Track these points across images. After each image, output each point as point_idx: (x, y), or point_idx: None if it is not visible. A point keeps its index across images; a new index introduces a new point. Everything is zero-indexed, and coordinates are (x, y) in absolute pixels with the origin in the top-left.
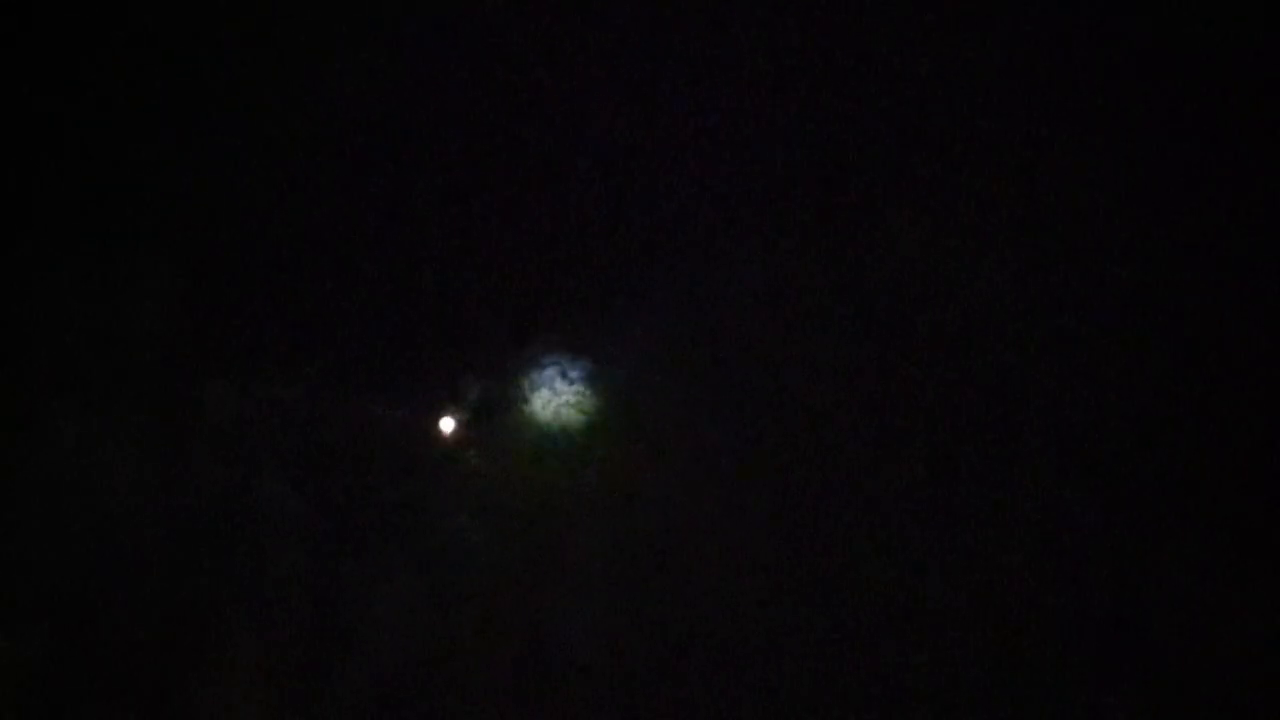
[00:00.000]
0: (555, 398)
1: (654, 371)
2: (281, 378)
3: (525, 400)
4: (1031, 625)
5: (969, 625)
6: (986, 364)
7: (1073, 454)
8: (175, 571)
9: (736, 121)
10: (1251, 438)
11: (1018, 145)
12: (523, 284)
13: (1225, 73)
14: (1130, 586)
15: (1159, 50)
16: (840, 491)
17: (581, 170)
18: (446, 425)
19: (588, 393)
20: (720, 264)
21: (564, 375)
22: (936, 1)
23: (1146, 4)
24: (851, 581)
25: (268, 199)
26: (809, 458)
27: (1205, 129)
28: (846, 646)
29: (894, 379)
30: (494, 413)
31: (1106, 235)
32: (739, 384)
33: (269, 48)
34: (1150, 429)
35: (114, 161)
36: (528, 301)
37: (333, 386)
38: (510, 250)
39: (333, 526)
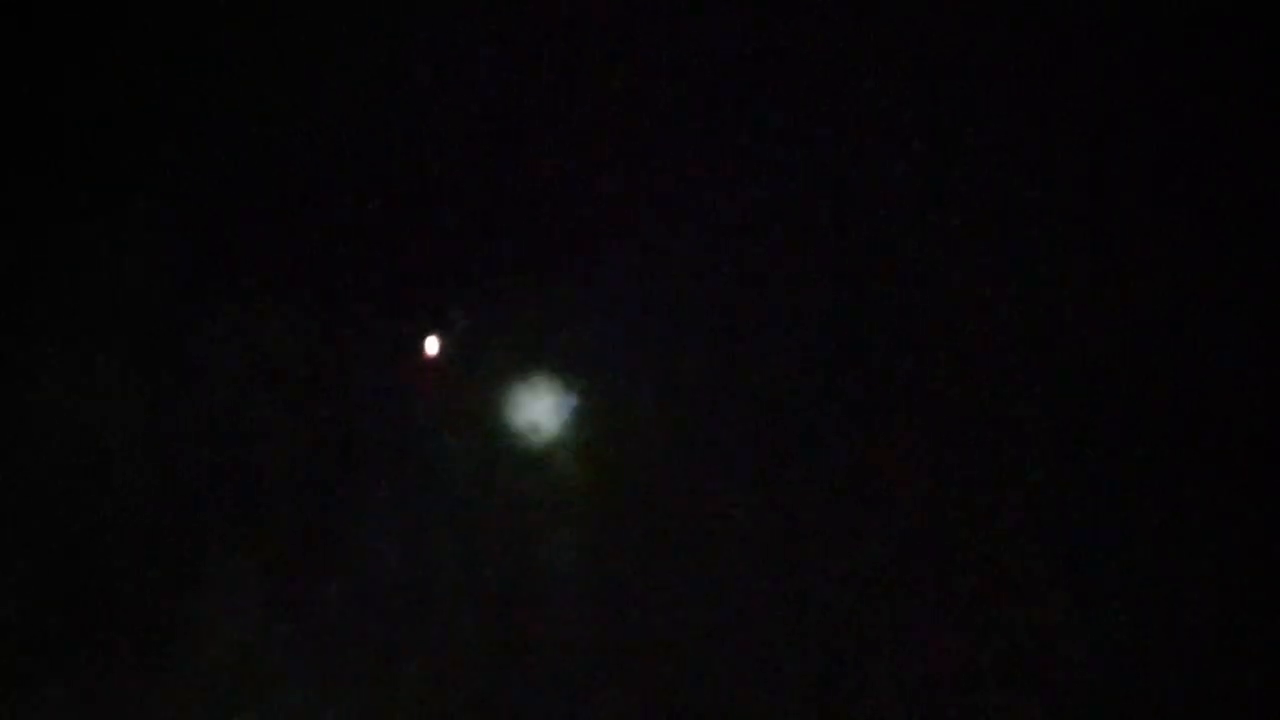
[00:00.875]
0: (543, 322)
1: (640, 299)
2: (269, 301)
3: (513, 322)
4: (1031, 625)
5: (963, 624)
6: (974, 357)
7: (1065, 456)
8: (168, 491)
9: (726, 118)
10: (1250, 437)
11: (1006, 141)
12: (514, 215)
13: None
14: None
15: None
16: (827, 474)
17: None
18: (432, 347)
19: (576, 319)
20: (709, 244)
21: (553, 299)
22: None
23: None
24: (834, 565)
25: (252, 126)
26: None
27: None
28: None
29: (879, 369)
30: (480, 335)
31: (1101, 234)
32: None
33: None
34: (1142, 428)
35: (97, 101)
36: (519, 232)
37: (320, 310)
38: (502, 185)
39: (321, 446)
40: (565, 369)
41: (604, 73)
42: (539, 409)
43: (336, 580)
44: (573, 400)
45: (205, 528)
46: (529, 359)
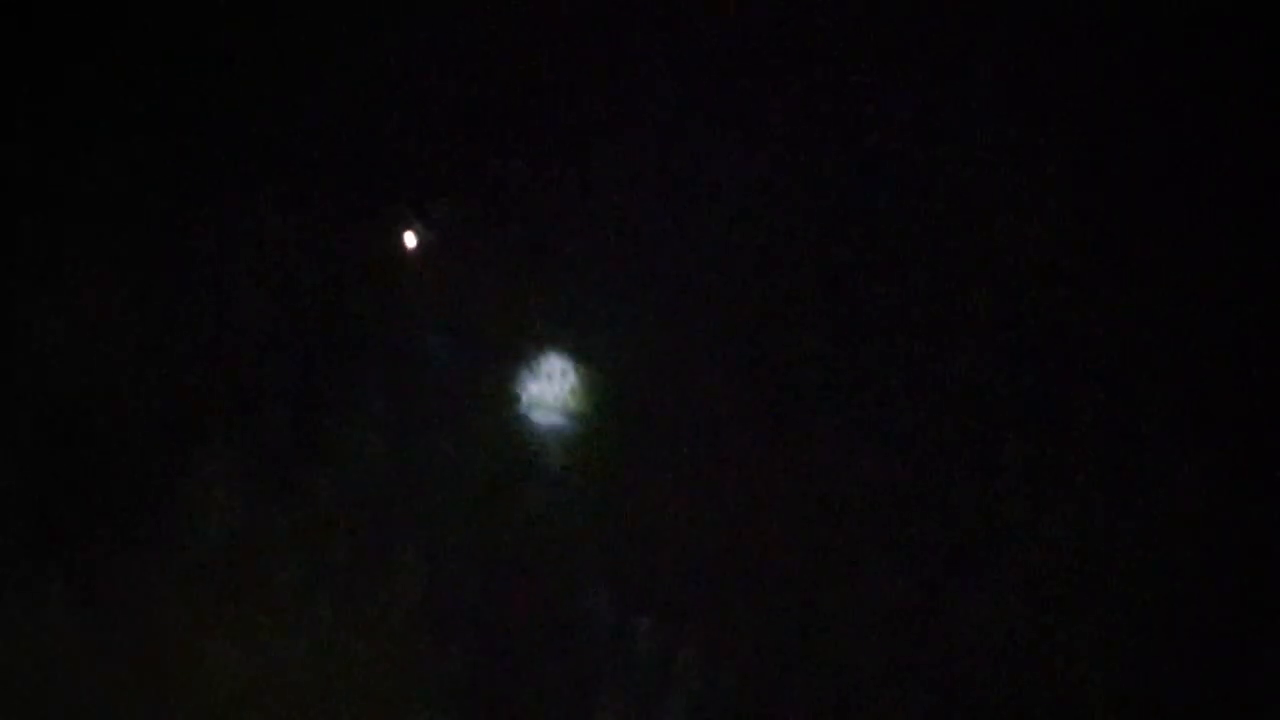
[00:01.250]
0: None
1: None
2: (254, 197)
3: (496, 215)
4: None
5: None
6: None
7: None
8: (161, 387)
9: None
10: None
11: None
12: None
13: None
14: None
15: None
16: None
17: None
18: (411, 240)
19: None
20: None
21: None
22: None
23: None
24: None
25: (243, 23)
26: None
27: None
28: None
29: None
30: (461, 230)
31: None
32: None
33: None
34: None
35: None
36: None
37: (302, 205)
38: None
39: (307, 343)
40: (553, 262)
41: None
42: (526, 302)
43: (327, 469)
44: (559, 290)
45: (198, 417)
46: (517, 252)
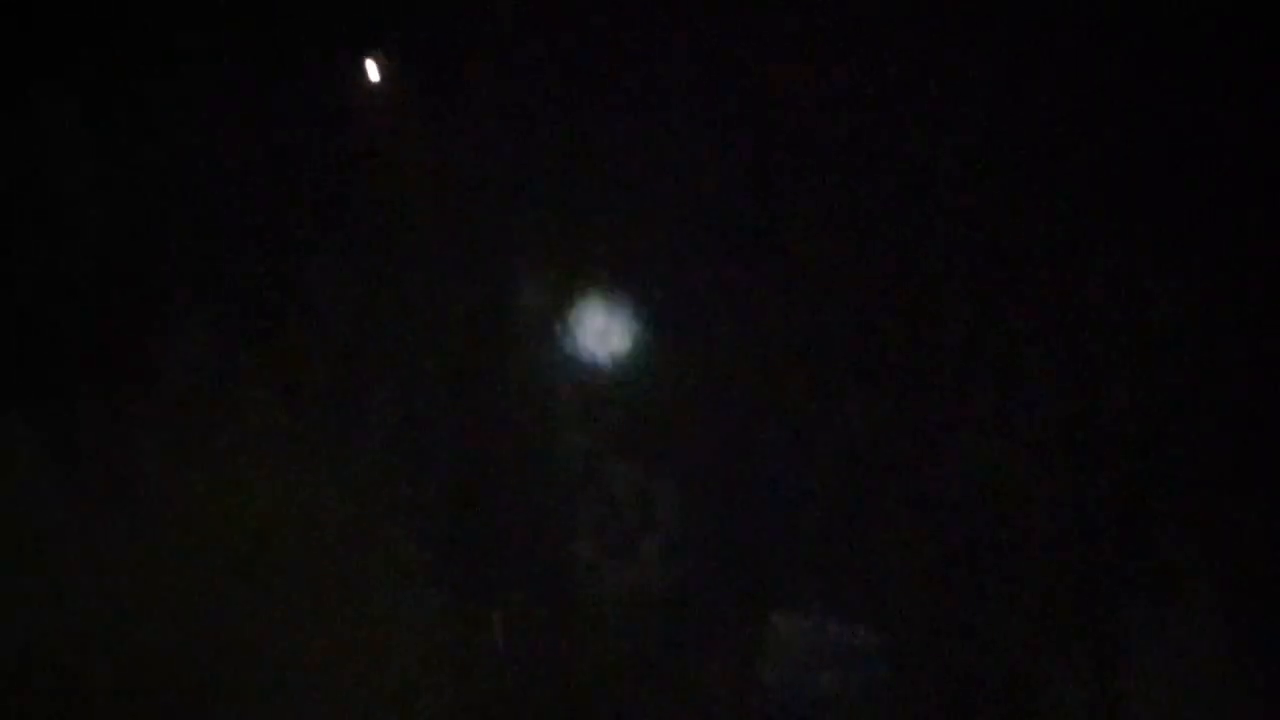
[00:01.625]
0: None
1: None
2: (229, 41)
3: (479, 57)
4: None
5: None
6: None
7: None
8: (134, 234)
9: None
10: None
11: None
12: None
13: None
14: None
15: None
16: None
17: None
18: (390, 85)
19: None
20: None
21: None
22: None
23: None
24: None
25: None
26: None
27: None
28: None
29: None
30: (443, 74)
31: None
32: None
33: None
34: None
35: None
36: None
37: (278, 47)
38: None
39: (282, 188)
40: (541, 107)
41: None
42: (509, 147)
43: (301, 310)
44: (544, 136)
45: (172, 264)
46: (503, 97)
